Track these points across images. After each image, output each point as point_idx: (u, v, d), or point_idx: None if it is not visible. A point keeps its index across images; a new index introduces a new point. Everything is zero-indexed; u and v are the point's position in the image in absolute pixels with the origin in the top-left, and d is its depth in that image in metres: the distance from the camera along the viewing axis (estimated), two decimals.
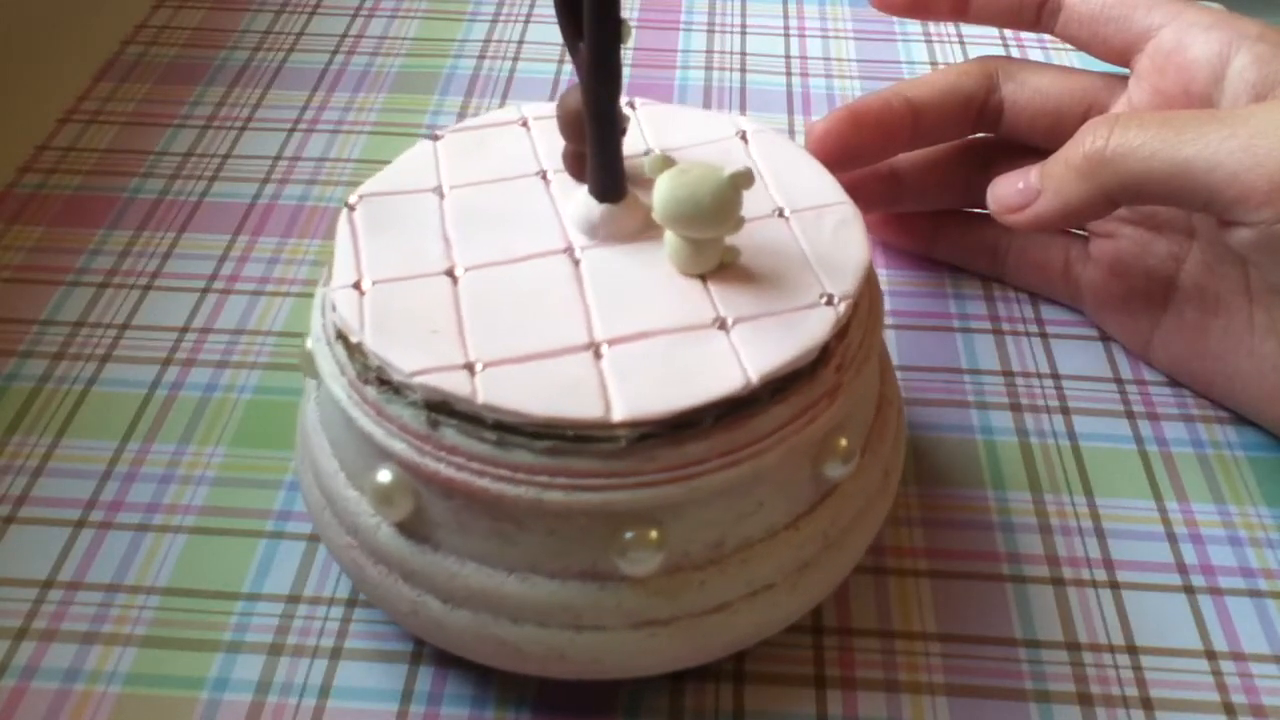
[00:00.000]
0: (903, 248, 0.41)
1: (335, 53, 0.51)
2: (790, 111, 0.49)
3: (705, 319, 0.27)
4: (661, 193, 0.27)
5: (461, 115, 0.48)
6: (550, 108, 0.33)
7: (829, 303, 0.28)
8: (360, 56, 0.51)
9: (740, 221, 0.28)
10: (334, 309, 0.27)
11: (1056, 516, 0.33)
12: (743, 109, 0.49)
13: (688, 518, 0.26)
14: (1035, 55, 0.52)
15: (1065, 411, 0.36)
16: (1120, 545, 0.33)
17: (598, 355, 0.26)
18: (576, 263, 0.29)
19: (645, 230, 0.29)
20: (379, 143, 0.46)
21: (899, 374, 0.36)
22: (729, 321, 0.27)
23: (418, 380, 0.25)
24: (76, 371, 0.37)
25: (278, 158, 0.45)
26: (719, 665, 0.29)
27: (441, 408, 0.26)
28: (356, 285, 0.28)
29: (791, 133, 0.47)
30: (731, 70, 0.51)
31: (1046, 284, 0.39)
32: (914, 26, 0.54)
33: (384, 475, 0.26)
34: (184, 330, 0.38)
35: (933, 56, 0.52)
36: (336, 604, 0.31)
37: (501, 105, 0.48)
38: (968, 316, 0.39)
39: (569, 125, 0.30)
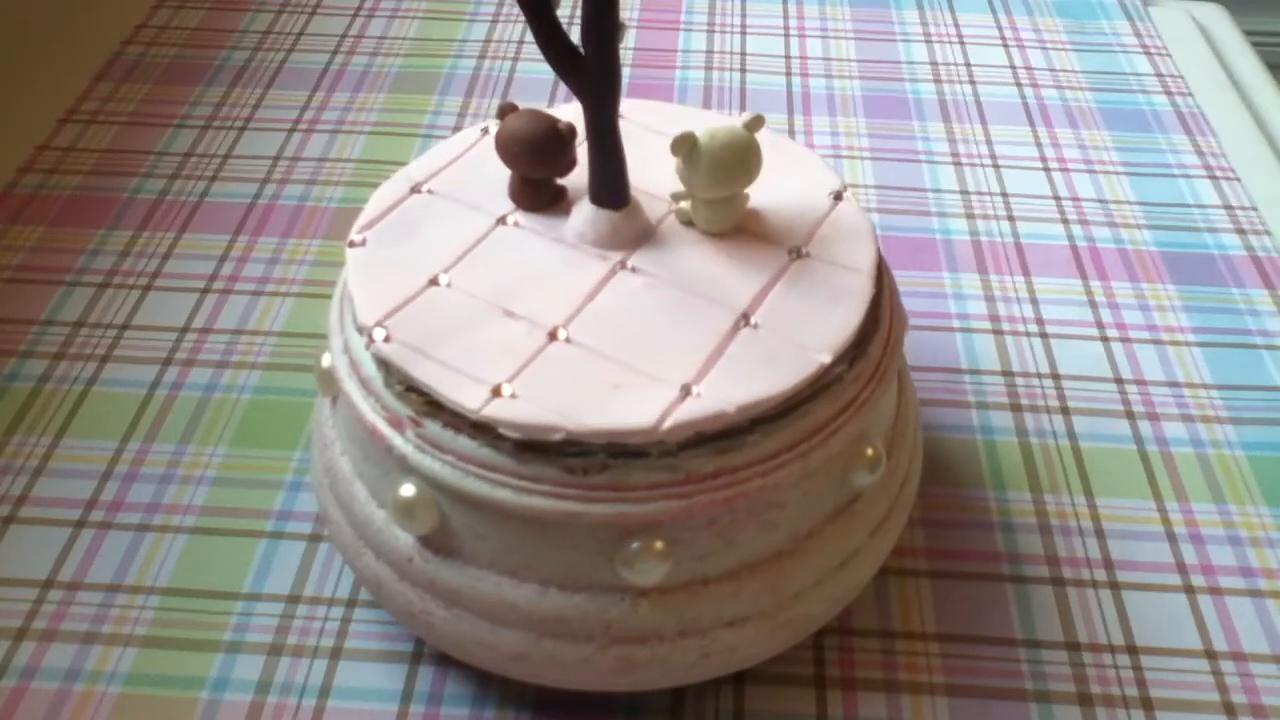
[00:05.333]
0: None
1: (335, 53, 0.51)
2: (790, 111, 0.49)
3: (783, 257, 0.29)
4: (706, 163, 0.28)
5: (462, 115, 0.48)
6: (432, 161, 0.32)
7: (839, 197, 0.31)
8: (360, 56, 0.51)
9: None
10: (497, 425, 0.25)
11: (1056, 516, 0.33)
12: (742, 109, 0.48)
13: (879, 414, 0.28)
14: (1034, 54, 0.52)
15: (1065, 411, 0.36)
16: (1120, 545, 0.33)
17: (754, 326, 0.27)
18: (634, 271, 0.29)
19: (650, 224, 0.30)
20: (379, 143, 0.46)
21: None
22: (802, 250, 0.29)
23: (669, 425, 0.25)
24: (76, 371, 0.37)
25: (278, 158, 0.45)
26: None
27: (693, 441, 0.25)
28: (496, 392, 0.26)
29: (791, 132, 0.47)
30: (731, 70, 0.51)
31: None
32: (914, 26, 0.54)
33: (634, 545, 0.25)
34: (184, 330, 0.38)
35: (932, 56, 0.52)
36: (336, 604, 0.31)
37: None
38: (968, 316, 0.39)
39: (528, 150, 0.29)
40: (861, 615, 0.31)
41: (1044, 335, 0.39)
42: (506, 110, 0.30)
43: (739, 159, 0.29)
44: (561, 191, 0.30)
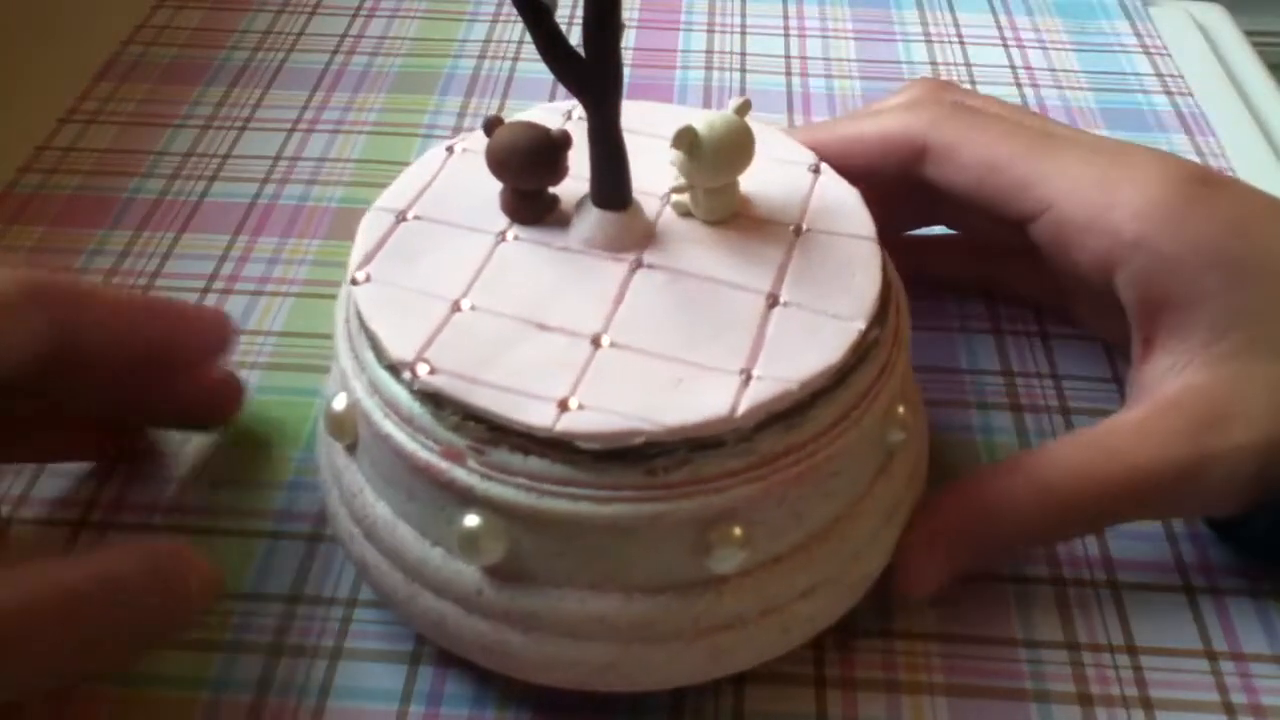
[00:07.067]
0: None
1: (335, 53, 0.51)
2: (790, 111, 0.49)
3: (787, 234, 0.30)
4: (710, 153, 0.29)
5: (461, 115, 0.48)
6: (406, 189, 0.31)
7: (817, 171, 0.32)
8: (360, 56, 0.51)
9: None
10: (574, 439, 0.25)
11: None
12: None
13: (901, 374, 0.29)
14: (1034, 54, 0.52)
15: (1065, 411, 0.36)
16: (1120, 545, 0.33)
17: (784, 304, 0.28)
18: (652, 268, 0.29)
19: (651, 222, 0.30)
20: (379, 143, 0.46)
21: None
22: (802, 226, 0.30)
23: (744, 410, 0.25)
24: None
25: (278, 158, 0.45)
26: None
27: (765, 424, 0.26)
28: (563, 406, 0.25)
29: None
30: (731, 70, 0.51)
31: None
32: (914, 26, 0.54)
33: (714, 535, 0.26)
34: None
35: (932, 56, 0.52)
36: (336, 604, 0.31)
37: (501, 105, 0.48)
38: (968, 316, 0.39)
39: (527, 160, 0.29)
40: (861, 615, 0.31)
41: (1044, 335, 0.39)
42: (493, 124, 0.29)
43: (739, 145, 0.29)
44: (555, 200, 0.30)
